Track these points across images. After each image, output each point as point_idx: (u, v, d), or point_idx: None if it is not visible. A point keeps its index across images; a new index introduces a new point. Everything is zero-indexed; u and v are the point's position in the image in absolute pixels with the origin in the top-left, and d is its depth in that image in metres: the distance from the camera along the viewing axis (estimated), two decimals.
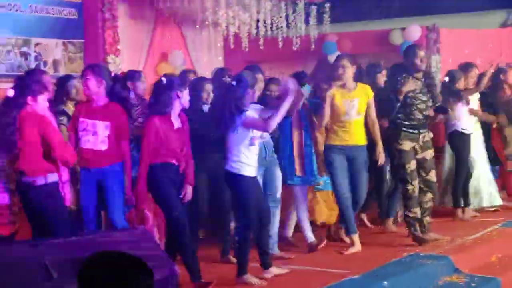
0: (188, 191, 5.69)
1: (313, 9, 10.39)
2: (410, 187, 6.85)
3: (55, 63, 9.08)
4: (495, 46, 11.43)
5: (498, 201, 8.57)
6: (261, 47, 10.12)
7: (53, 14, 8.99)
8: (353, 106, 6.60)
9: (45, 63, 8.96)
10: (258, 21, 10.12)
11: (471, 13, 12.75)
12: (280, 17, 10.31)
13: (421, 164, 6.91)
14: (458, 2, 12.24)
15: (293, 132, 6.75)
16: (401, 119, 6.84)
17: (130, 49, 9.99)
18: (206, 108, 6.47)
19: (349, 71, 6.64)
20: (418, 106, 6.82)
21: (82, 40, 9.30)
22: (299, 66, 11.31)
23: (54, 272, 3.90)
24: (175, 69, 10.52)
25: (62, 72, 9.11)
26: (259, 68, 6.91)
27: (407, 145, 6.84)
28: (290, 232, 7.16)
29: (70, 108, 6.43)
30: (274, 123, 5.47)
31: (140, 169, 5.50)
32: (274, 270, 5.80)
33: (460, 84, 8.23)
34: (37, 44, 8.88)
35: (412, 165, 6.84)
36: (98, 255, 2.21)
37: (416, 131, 6.87)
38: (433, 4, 12.30)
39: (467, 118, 8.21)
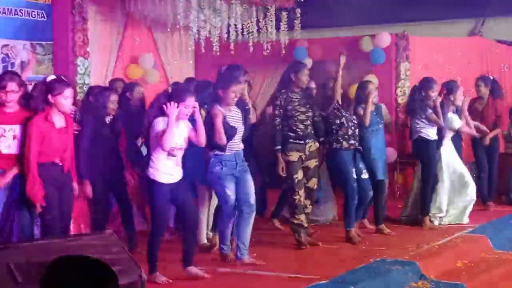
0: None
1: (284, 14, 10.40)
2: (297, 196, 7.08)
3: (23, 64, 8.98)
4: (464, 54, 11.58)
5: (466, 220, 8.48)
6: (232, 52, 10.10)
7: (21, 16, 8.89)
8: None
9: (12, 65, 8.86)
10: (229, 25, 10.11)
11: (440, 22, 12.92)
12: (251, 22, 10.30)
13: (304, 172, 7.14)
14: (427, 10, 12.39)
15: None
16: (286, 131, 7.11)
17: (100, 52, 9.91)
18: (108, 119, 6.83)
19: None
20: (299, 117, 7.12)
21: (51, 42, 9.21)
22: (270, 71, 11.36)
23: (19, 276, 3.84)
24: (145, 72, 10.49)
25: (29, 74, 9.03)
26: (241, 68, 7.39)
27: (294, 156, 7.10)
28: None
29: None
30: (164, 141, 5.58)
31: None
32: (193, 270, 5.89)
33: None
34: (4, 46, 8.78)
35: (300, 175, 7.09)
36: (61, 259, 2.17)
37: (302, 141, 7.14)
38: (403, 12, 12.43)
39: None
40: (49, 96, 5.63)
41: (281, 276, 6.04)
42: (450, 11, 12.44)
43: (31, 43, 9.07)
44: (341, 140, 7.42)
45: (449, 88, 8.55)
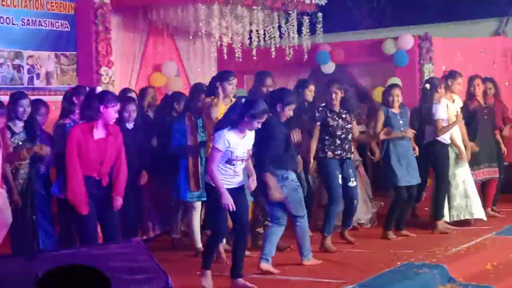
0: (117, 203, 5.81)
1: (306, 19, 10.40)
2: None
3: (48, 75, 9.07)
4: (487, 54, 11.48)
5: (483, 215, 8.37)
6: (254, 57, 10.13)
7: (45, 27, 8.97)
8: None
9: (38, 76, 8.95)
10: (251, 31, 10.13)
11: (463, 22, 12.84)
12: (273, 28, 10.32)
13: None
14: (450, 11, 12.35)
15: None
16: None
17: (123, 61, 9.99)
18: (130, 125, 7.16)
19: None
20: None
21: (75, 52, 9.29)
22: (292, 76, 11.35)
23: (47, 285, 3.87)
24: (169, 80, 10.55)
25: (54, 84, 9.12)
26: (269, 73, 7.66)
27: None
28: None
29: None
30: (211, 176, 5.66)
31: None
32: (240, 283, 5.86)
33: (441, 92, 8.20)
34: (29, 57, 8.87)
35: None
36: (55, 269, 2.17)
37: None
38: (425, 13, 12.40)
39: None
40: (101, 107, 5.67)
41: (307, 280, 6.02)
42: (473, 11, 12.38)
43: (56, 54, 9.14)
44: (327, 150, 7.36)
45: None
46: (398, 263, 6.49)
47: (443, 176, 8.04)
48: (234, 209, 5.62)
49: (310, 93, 7.88)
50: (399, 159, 7.69)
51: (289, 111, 6.43)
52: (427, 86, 8.26)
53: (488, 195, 8.91)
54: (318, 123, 7.35)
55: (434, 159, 8.10)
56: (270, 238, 6.34)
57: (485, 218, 8.33)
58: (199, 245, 7.12)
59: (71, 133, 5.74)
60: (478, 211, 8.29)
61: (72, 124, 6.52)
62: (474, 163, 8.59)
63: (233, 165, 5.70)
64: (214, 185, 5.66)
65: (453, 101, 8.38)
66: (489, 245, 7.32)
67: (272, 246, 6.33)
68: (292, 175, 6.44)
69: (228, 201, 5.59)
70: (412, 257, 6.72)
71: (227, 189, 5.68)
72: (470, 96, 8.84)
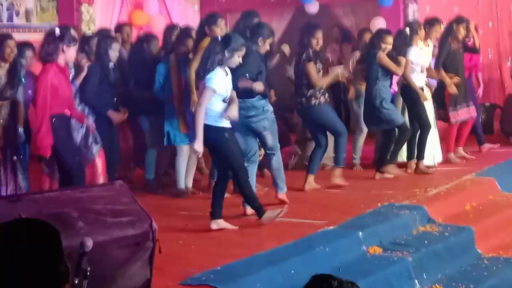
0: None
1: None
2: None
3: (28, 12, 8.91)
4: None
5: (440, 158, 8.49)
6: None
7: None
8: None
9: (17, 13, 8.79)
10: None
11: None
12: None
13: None
14: None
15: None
16: None
17: None
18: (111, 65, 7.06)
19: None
20: None
21: None
22: (276, 15, 11.23)
23: None
24: (150, 18, 10.40)
25: (34, 22, 8.97)
26: (256, 14, 7.22)
27: None
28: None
29: None
30: (199, 115, 5.62)
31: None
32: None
33: (420, 37, 8.17)
34: None
35: None
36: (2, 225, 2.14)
37: None
38: None
39: (417, 73, 8.06)
40: (64, 46, 5.70)
41: (290, 221, 6.08)
42: None
43: None
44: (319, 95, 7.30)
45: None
46: (379, 204, 6.56)
47: (421, 117, 8.04)
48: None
49: (316, 41, 7.23)
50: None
51: (267, 45, 6.56)
52: (407, 29, 8.22)
53: (462, 134, 8.84)
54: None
55: (407, 100, 8.12)
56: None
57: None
58: (182, 185, 7.17)
59: (47, 74, 5.76)
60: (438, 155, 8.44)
61: None
62: (452, 104, 8.61)
63: (225, 103, 5.69)
64: (195, 123, 5.65)
65: (428, 46, 8.34)
66: (468, 186, 7.41)
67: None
68: (271, 107, 6.51)
69: (200, 148, 5.64)
70: (392, 198, 6.80)
71: (226, 127, 5.70)
72: (452, 36, 8.69)
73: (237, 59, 5.75)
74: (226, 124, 5.74)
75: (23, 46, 6.83)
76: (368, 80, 7.87)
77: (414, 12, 10.66)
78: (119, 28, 8.50)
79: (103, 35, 7.30)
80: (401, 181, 7.67)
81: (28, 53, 6.87)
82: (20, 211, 3.97)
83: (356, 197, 6.94)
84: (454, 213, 6.66)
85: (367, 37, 8.50)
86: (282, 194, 6.65)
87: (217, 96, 5.63)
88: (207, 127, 5.66)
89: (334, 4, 11.17)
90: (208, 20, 6.99)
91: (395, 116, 7.79)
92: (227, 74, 5.75)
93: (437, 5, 10.85)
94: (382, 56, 7.67)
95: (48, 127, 5.81)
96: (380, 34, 7.87)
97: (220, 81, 5.65)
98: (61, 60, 5.90)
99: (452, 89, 8.51)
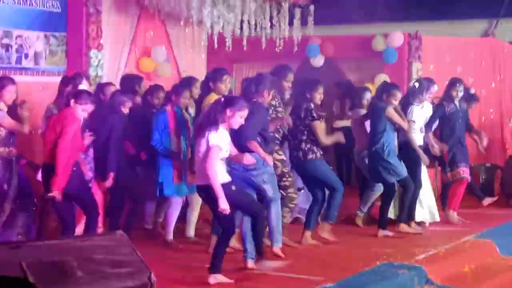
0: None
1: (297, 11, 10.43)
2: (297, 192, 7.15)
3: (36, 55, 9.02)
4: (476, 54, 11.56)
5: (437, 218, 8.47)
6: (245, 47, 10.14)
7: (36, 6, 8.92)
8: None
9: (26, 56, 8.90)
10: (242, 21, 10.13)
11: (453, 21, 12.89)
12: (264, 18, 10.33)
13: None
14: (441, 9, 12.37)
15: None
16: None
17: (113, 44, 9.93)
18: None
19: None
20: None
21: (65, 34, 9.24)
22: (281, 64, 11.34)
23: (31, 275, 3.89)
24: (157, 65, 10.51)
25: (43, 65, 9.07)
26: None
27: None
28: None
29: None
30: (214, 177, 5.61)
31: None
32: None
33: (425, 96, 8.29)
34: (18, 36, 8.81)
35: None
36: None
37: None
38: (416, 10, 12.41)
39: (417, 132, 8.14)
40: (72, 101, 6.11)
41: (287, 276, 6.06)
42: (463, 11, 12.42)
43: (45, 34, 9.09)
44: (316, 150, 7.33)
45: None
46: (378, 262, 6.55)
47: (416, 177, 8.07)
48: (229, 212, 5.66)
49: (319, 96, 7.30)
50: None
51: (269, 96, 6.61)
52: (416, 85, 8.29)
53: (457, 196, 8.81)
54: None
55: (407, 160, 8.14)
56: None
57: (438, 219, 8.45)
58: (171, 237, 7.22)
59: (75, 118, 6.01)
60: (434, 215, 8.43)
61: None
62: (452, 164, 8.64)
63: (223, 161, 5.76)
64: (213, 185, 5.61)
65: (422, 107, 8.37)
66: (468, 248, 7.40)
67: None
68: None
69: (227, 205, 5.61)
70: (391, 256, 6.78)
71: (228, 182, 5.73)
72: (449, 98, 8.70)
73: (239, 120, 5.81)
74: (227, 178, 5.77)
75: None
76: (375, 132, 7.84)
77: (418, 70, 10.78)
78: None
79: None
80: (401, 240, 7.67)
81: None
82: (20, 258, 3.99)
83: (355, 254, 6.93)
84: (452, 274, 6.64)
85: (367, 96, 8.54)
86: (277, 248, 6.62)
87: (219, 156, 5.68)
88: (209, 187, 5.67)
89: (339, 59, 11.31)
90: (214, 76, 7.05)
91: (401, 169, 7.82)
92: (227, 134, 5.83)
93: (441, 64, 10.99)
94: (392, 112, 7.72)
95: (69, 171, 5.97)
96: (389, 89, 7.88)
97: (223, 140, 5.71)
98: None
99: (434, 151, 8.53)
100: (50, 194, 5.93)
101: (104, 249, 4.28)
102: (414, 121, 8.04)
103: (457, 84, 8.65)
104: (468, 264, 6.95)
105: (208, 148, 5.64)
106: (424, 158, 8.06)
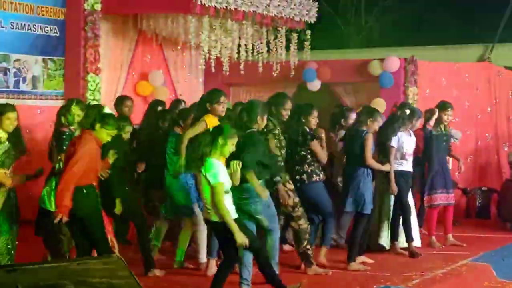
0: None
1: (294, 36, 10.51)
2: (308, 222, 7.02)
3: (34, 79, 9.07)
4: (472, 79, 11.63)
5: (419, 243, 8.42)
6: (241, 71, 10.21)
7: (34, 31, 8.99)
8: None
9: (24, 79, 8.95)
10: (239, 45, 10.21)
11: (449, 46, 13.00)
12: (261, 43, 10.42)
13: None
14: (436, 35, 12.48)
15: None
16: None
17: (111, 68, 10.02)
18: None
19: None
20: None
21: (63, 58, 9.31)
22: (278, 91, 11.39)
23: None
24: (155, 89, 10.56)
25: (40, 88, 9.11)
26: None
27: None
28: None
29: None
30: (225, 213, 5.59)
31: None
32: None
33: (414, 124, 8.40)
34: (16, 60, 8.87)
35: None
36: None
37: None
38: (411, 35, 12.52)
39: (408, 159, 8.15)
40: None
41: None
42: (459, 36, 12.53)
43: (43, 58, 9.16)
44: (318, 172, 7.35)
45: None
46: (375, 286, 6.54)
47: (401, 201, 8.09)
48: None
49: (314, 120, 7.30)
50: None
51: (264, 121, 6.58)
52: (407, 111, 8.27)
53: (447, 221, 8.80)
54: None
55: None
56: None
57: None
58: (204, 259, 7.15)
59: (94, 140, 5.94)
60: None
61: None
62: (431, 188, 8.65)
63: (227, 193, 5.70)
64: (227, 222, 5.59)
65: (410, 135, 8.36)
66: (464, 272, 7.39)
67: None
68: (267, 192, 6.40)
69: (245, 239, 5.60)
70: (388, 280, 6.77)
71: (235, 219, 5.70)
72: (437, 122, 8.69)
73: (230, 148, 5.81)
74: (234, 214, 5.72)
75: None
76: (355, 156, 7.52)
77: (414, 95, 10.84)
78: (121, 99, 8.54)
79: None
80: (398, 263, 7.66)
81: None
82: (17, 281, 3.98)
83: (352, 278, 6.91)
84: None
85: (352, 117, 8.35)
86: None
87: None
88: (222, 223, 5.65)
89: (335, 83, 11.38)
90: (210, 98, 7.05)
91: (369, 204, 7.51)
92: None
93: (436, 89, 11.06)
94: (370, 138, 7.45)
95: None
96: (373, 113, 7.65)
97: (224, 173, 5.66)
98: None
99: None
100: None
101: (101, 273, 4.26)
102: (403, 147, 8.07)
103: (448, 109, 8.71)
104: (465, 287, 6.95)
105: (214, 187, 5.59)
106: (393, 187, 8.00)
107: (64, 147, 6.56)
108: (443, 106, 8.72)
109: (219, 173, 5.60)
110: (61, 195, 5.76)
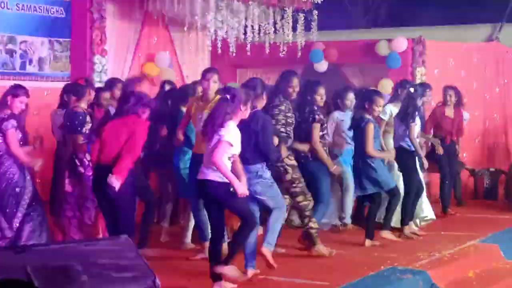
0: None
1: (301, 16, 10.44)
2: (310, 199, 6.92)
3: (41, 61, 9.05)
4: (480, 59, 11.57)
5: (433, 215, 8.63)
6: (248, 52, 10.17)
7: (40, 12, 8.96)
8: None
9: (30, 61, 8.93)
10: (246, 26, 10.15)
11: (457, 26, 12.91)
12: (268, 23, 10.36)
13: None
14: (444, 14, 12.40)
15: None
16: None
17: (117, 49, 9.97)
18: None
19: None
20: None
21: (69, 39, 9.28)
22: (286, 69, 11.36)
23: (36, 280, 3.90)
24: (161, 70, 10.54)
25: (47, 70, 9.10)
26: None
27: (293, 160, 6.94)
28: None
29: None
30: (222, 169, 5.55)
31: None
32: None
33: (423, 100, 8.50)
34: (22, 42, 8.85)
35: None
36: None
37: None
38: (419, 15, 12.44)
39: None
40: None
41: (292, 282, 6.06)
42: (467, 16, 12.44)
43: (49, 40, 9.13)
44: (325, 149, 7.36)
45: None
46: (382, 267, 6.54)
47: (410, 181, 8.07)
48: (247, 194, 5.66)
49: (320, 98, 7.23)
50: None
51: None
52: (411, 90, 8.20)
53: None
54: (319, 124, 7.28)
55: (402, 165, 8.09)
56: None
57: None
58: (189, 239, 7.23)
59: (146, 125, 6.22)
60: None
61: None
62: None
63: (230, 160, 5.65)
64: (224, 174, 5.55)
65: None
66: (472, 252, 7.39)
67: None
68: (268, 173, 6.35)
69: (245, 189, 5.60)
70: (396, 261, 6.77)
71: (224, 183, 5.60)
72: (443, 103, 9.27)
73: (246, 113, 5.80)
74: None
75: None
76: (360, 141, 7.55)
77: (422, 75, 10.79)
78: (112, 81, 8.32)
79: None
80: (405, 244, 7.65)
81: None
82: (25, 262, 4.00)
83: (359, 259, 6.91)
84: (457, 279, 6.62)
85: (350, 97, 8.29)
86: (266, 250, 6.33)
87: (228, 152, 5.63)
88: (210, 182, 5.61)
89: (342, 64, 11.33)
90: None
91: (390, 178, 7.70)
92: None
93: (444, 69, 11.00)
94: (370, 129, 7.41)
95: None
96: (370, 96, 7.57)
97: (235, 137, 5.66)
98: None
99: (440, 150, 9.01)
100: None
101: (109, 254, 4.28)
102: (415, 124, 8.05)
103: (447, 90, 9.11)
104: (473, 268, 6.92)
105: (218, 142, 5.56)
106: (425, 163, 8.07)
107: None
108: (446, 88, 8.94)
109: (231, 134, 5.58)
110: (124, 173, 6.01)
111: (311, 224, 6.92)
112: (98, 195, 6.28)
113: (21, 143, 6.39)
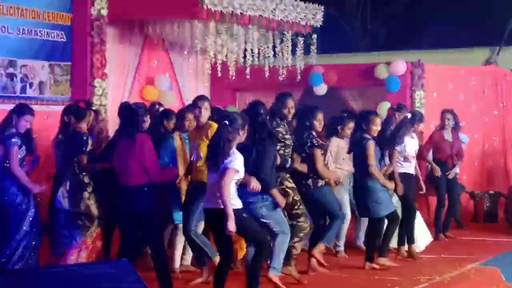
0: None
1: (300, 40, 10.50)
2: (309, 223, 6.92)
3: (41, 85, 9.07)
4: (478, 82, 11.61)
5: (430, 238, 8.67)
6: (247, 76, 10.21)
7: (41, 37, 8.99)
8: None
9: (31, 85, 8.95)
10: (245, 50, 10.21)
11: (455, 50, 12.98)
12: (267, 47, 10.42)
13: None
14: (443, 38, 12.47)
15: None
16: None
17: (117, 73, 10.03)
18: None
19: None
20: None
21: (69, 63, 9.31)
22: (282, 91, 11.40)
23: None
24: (161, 93, 10.57)
25: (47, 94, 9.12)
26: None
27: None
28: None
29: None
30: (227, 199, 5.51)
31: None
32: None
33: (416, 128, 8.48)
34: (23, 66, 8.88)
35: None
36: None
37: None
38: (418, 39, 12.51)
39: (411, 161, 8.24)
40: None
41: None
42: (466, 39, 12.52)
43: (50, 64, 9.16)
44: None
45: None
46: None
47: (410, 203, 8.08)
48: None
49: (318, 123, 7.16)
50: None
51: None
52: (409, 116, 8.23)
53: None
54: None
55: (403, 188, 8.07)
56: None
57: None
58: (177, 265, 7.15)
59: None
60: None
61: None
62: None
63: (236, 184, 5.66)
64: (224, 206, 5.51)
65: (412, 138, 8.41)
66: (472, 275, 7.36)
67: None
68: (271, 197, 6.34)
69: (234, 228, 5.52)
70: (396, 284, 6.75)
71: (240, 209, 5.65)
72: (441, 127, 9.46)
73: (243, 138, 5.81)
74: (240, 204, 5.71)
75: None
76: (361, 164, 7.53)
77: (421, 99, 10.82)
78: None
79: None
80: (406, 267, 7.63)
81: None
82: (26, 285, 3.99)
83: (359, 282, 6.90)
84: None
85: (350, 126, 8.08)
86: (273, 274, 6.37)
87: (234, 178, 5.65)
88: (221, 211, 5.52)
89: (342, 87, 11.37)
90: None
91: (390, 202, 7.66)
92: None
93: (443, 92, 11.04)
94: (371, 147, 7.42)
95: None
96: (367, 116, 7.58)
97: (240, 162, 5.64)
98: None
99: (438, 173, 9.28)
100: None
101: (109, 278, 4.27)
102: (399, 151, 8.04)
103: (445, 114, 9.31)
104: None
105: (225, 170, 5.56)
106: (389, 185, 7.89)
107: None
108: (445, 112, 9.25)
109: (238, 161, 5.58)
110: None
111: (296, 246, 6.82)
112: (124, 215, 6.22)
113: (23, 162, 6.43)
